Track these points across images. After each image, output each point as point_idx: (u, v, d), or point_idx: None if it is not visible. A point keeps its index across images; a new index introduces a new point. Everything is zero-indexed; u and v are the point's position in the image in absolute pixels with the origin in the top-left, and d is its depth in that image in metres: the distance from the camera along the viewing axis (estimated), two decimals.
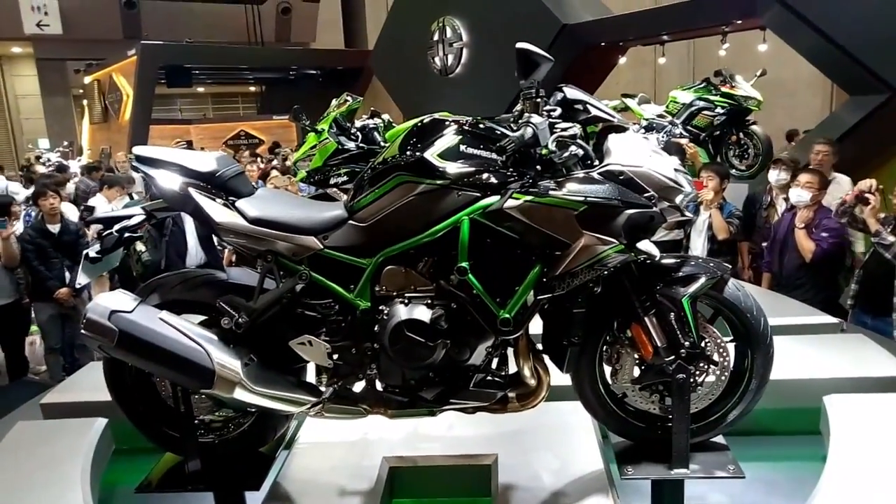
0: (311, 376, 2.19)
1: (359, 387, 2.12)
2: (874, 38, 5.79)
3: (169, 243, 5.45)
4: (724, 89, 6.83)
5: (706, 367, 2.11)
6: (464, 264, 1.88)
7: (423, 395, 2.06)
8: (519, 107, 2.02)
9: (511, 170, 1.91)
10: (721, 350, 2.13)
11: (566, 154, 1.86)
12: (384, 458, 2.39)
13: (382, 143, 4.73)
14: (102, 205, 6.84)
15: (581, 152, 1.92)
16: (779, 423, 2.51)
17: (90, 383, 2.95)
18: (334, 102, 5.02)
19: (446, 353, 1.96)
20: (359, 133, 4.75)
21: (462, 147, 1.90)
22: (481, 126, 1.95)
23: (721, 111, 6.80)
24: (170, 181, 2.01)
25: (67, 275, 5.15)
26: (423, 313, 1.94)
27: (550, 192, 1.85)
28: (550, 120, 1.90)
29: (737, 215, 4.79)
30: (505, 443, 2.42)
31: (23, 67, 20.35)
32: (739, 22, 7.39)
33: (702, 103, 6.87)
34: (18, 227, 5.51)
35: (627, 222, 1.86)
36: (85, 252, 2.07)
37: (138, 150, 2.08)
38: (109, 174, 8.13)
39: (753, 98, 6.77)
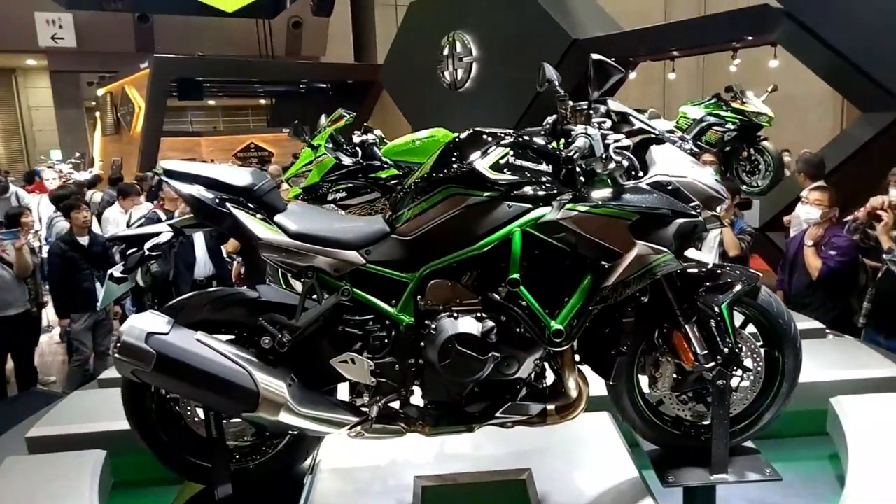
0: (341, 395, 2.12)
1: (397, 405, 2.07)
2: (887, 54, 5.76)
3: (177, 255, 5.47)
4: (734, 105, 6.84)
5: (743, 372, 2.15)
6: (515, 276, 1.87)
7: (468, 411, 2.03)
8: (550, 119, 2.03)
9: (560, 181, 1.91)
10: (755, 355, 2.19)
11: (612, 165, 1.87)
12: (416, 477, 2.32)
13: (382, 159, 4.70)
14: (117, 215, 6.90)
15: (626, 163, 1.92)
16: (785, 426, 2.51)
17: (77, 414, 2.84)
18: (323, 119, 5.00)
19: (494, 367, 1.93)
20: (358, 149, 4.73)
21: (511, 159, 1.90)
22: (526, 138, 1.96)
23: (731, 127, 6.80)
24: (205, 196, 1.92)
25: (98, 285, 5.24)
26: (473, 327, 1.90)
27: (604, 203, 1.86)
28: (602, 131, 1.91)
29: (748, 231, 4.75)
30: (534, 456, 2.39)
31: (37, 80, 20.59)
32: (750, 38, 7.38)
33: (712, 119, 6.88)
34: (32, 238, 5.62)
35: (677, 231, 1.89)
36: (109, 272, 1.97)
37: (167, 164, 1.99)
38: (125, 184, 8.18)
39: (764, 114, 6.76)
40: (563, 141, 2.01)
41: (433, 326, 1.93)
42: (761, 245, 5.94)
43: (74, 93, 19.48)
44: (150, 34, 17.50)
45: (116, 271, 1.95)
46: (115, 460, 2.51)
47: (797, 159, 6.47)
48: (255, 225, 1.92)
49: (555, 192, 1.90)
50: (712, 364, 2.04)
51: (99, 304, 4.91)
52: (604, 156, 1.85)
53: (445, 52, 10.52)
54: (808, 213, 4.29)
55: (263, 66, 17.91)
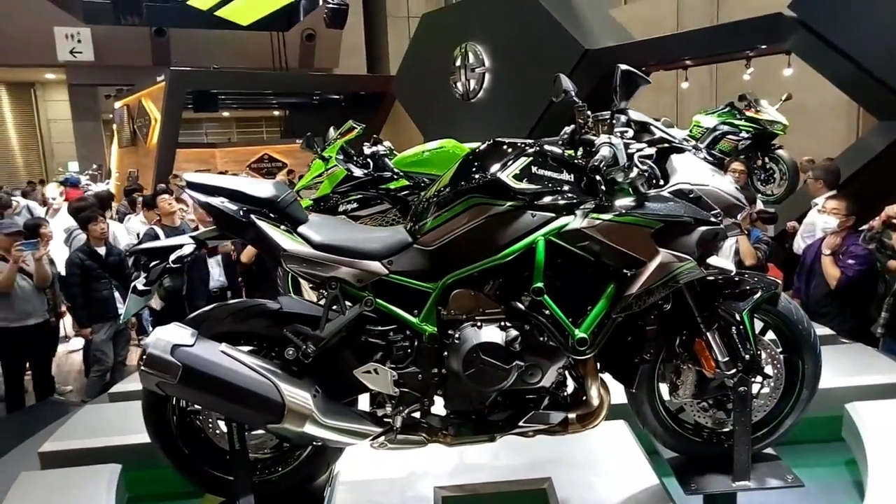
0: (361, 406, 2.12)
1: (419, 415, 2.07)
2: None
3: (192, 267, 5.50)
4: (748, 114, 6.80)
5: (763, 379, 2.16)
6: (539, 285, 1.88)
7: (490, 420, 2.03)
8: (568, 129, 2.05)
9: (582, 190, 1.93)
10: (776, 362, 2.20)
11: (634, 173, 1.88)
12: (436, 488, 2.32)
13: (392, 170, 4.74)
14: (139, 226, 6.97)
15: (648, 172, 1.94)
16: (800, 432, 2.52)
17: (90, 428, 2.84)
18: (332, 131, 5.03)
19: (518, 376, 1.94)
20: (368, 160, 4.76)
21: (533, 168, 1.91)
22: (547, 147, 1.97)
23: (746, 136, 6.76)
24: (228, 208, 1.93)
25: (116, 294, 5.34)
26: (497, 336, 1.92)
27: (627, 212, 1.87)
28: (625, 141, 1.93)
29: (764, 240, 4.72)
30: (554, 465, 2.40)
31: (55, 93, 20.91)
32: (764, 47, 7.35)
33: (726, 127, 6.85)
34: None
35: (700, 239, 1.91)
36: (133, 285, 1.99)
37: (190, 176, 2.02)
38: (148, 195, 8.25)
39: (779, 122, 6.73)
40: (580, 150, 2.02)
41: (456, 336, 1.94)
42: (775, 254, 5.89)
43: (92, 105, 19.75)
44: (166, 48, 17.73)
45: (140, 283, 1.96)
46: (130, 474, 2.50)
47: (802, 166, 6.42)
48: (278, 236, 1.94)
49: (577, 201, 1.91)
50: (733, 371, 2.05)
51: (122, 317, 4.94)
52: (626, 165, 1.86)
53: (458, 62, 10.56)
54: (826, 222, 4.27)
55: (277, 78, 18.06)
